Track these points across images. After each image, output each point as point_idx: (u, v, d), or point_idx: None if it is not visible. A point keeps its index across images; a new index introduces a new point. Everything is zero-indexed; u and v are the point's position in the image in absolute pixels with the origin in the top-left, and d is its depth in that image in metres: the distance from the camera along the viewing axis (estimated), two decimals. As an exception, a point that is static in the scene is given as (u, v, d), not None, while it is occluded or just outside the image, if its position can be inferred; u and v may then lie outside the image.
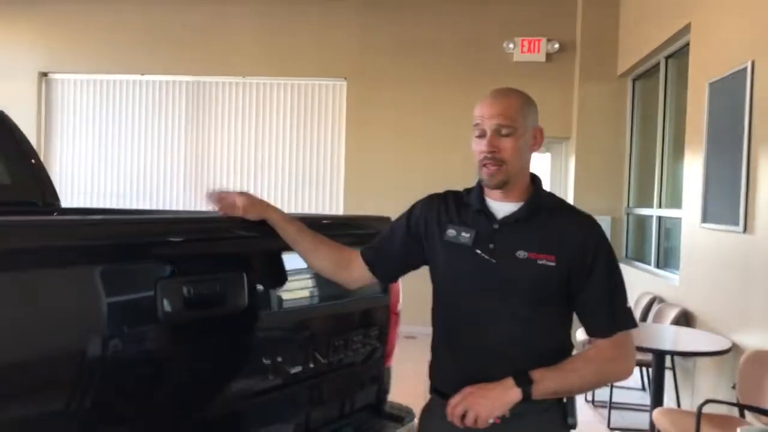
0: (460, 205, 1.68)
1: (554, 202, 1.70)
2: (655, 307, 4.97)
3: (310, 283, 2.00)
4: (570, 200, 7.05)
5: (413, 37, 7.41)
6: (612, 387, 4.56)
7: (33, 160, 3.53)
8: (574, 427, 1.64)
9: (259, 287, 1.76)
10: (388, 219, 2.24)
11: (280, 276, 1.85)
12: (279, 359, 1.79)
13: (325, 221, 2.26)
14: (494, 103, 1.60)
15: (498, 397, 1.51)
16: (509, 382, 1.51)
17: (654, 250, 5.86)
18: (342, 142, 7.55)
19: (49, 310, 1.31)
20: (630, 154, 6.86)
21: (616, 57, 6.86)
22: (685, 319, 4.52)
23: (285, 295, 1.86)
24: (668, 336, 4.17)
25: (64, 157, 7.89)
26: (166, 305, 1.49)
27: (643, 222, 6.48)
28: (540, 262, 1.56)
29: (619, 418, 4.58)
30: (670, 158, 5.69)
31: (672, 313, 4.56)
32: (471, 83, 7.12)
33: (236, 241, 1.76)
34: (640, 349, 3.73)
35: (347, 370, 2.06)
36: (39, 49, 7.79)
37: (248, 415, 1.79)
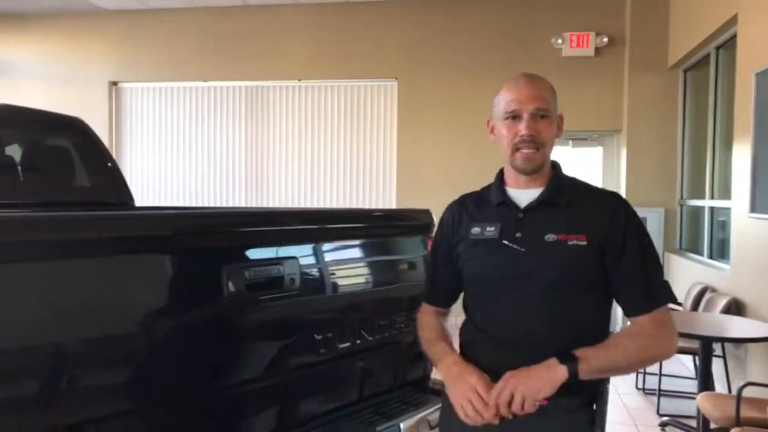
0: (480, 203, 1.69)
1: (576, 182, 1.67)
2: (706, 297, 4.99)
3: (359, 268, 2.22)
4: (622, 193, 7.06)
5: (462, 36, 7.55)
6: (661, 375, 4.62)
7: (109, 164, 3.87)
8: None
9: (312, 271, 1.99)
10: (428, 211, 2.45)
11: (330, 261, 2.07)
12: (329, 335, 2.01)
13: (374, 214, 2.48)
14: (530, 85, 1.58)
15: (544, 377, 1.44)
16: (553, 361, 1.45)
17: (707, 241, 5.85)
18: (394, 140, 7.76)
19: (128, 290, 1.56)
20: (682, 146, 6.83)
21: (666, 48, 6.83)
22: (735, 307, 4.54)
23: (334, 279, 2.08)
24: (716, 323, 4.21)
25: (133, 160, 8.38)
26: (230, 287, 1.73)
27: (696, 213, 6.45)
28: (570, 243, 1.52)
29: (669, 405, 4.63)
30: (722, 149, 5.67)
31: (722, 302, 4.59)
32: (520, 79, 7.19)
33: (291, 231, 1.99)
34: (688, 336, 3.82)
35: (392, 347, 2.27)
36: (109, 60, 8.30)
37: (302, 384, 2.01)
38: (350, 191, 7.87)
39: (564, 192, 1.62)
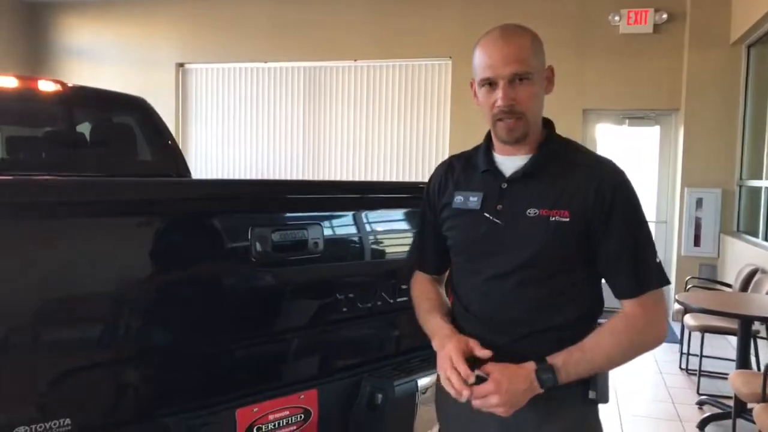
0: (467, 167, 1.58)
1: (569, 148, 1.53)
2: (755, 279, 4.93)
3: (378, 235, 2.40)
4: (678, 173, 6.96)
5: (516, 14, 7.49)
6: (702, 356, 4.62)
7: (169, 141, 4.18)
8: (599, 402, 1.47)
9: (334, 236, 2.17)
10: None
11: (352, 227, 2.26)
12: (350, 295, 2.20)
13: (407, 185, 2.66)
14: (505, 45, 1.41)
15: (520, 395, 1.37)
16: (532, 377, 1.37)
17: (762, 223, 5.73)
18: (447, 118, 7.86)
19: (172, 246, 1.79)
20: (743, 125, 6.65)
21: (728, 24, 6.64)
22: (783, 289, 4.48)
23: (355, 243, 2.26)
24: (759, 304, 4.18)
25: (198, 137, 8.79)
26: (258, 247, 1.94)
27: (754, 194, 6.30)
28: (552, 219, 1.40)
29: (709, 386, 4.63)
30: (781, 128, 5.52)
31: (769, 284, 4.54)
32: (577, 57, 7.17)
33: (316, 199, 2.18)
34: (727, 315, 3.83)
35: (412, 309, 2.44)
36: (176, 42, 8.70)
37: (325, 339, 2.21)
38: (404, 169, 8.03)
39: (552, 161, 1.47)
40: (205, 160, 8.62)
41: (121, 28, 8.92)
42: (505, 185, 1.49)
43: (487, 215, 1.48)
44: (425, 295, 1.71)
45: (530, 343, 1.44)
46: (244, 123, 8.61)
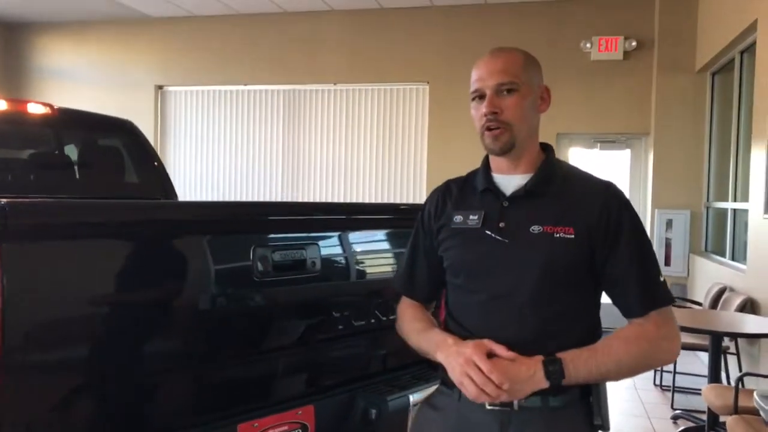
0: (465, 189, 1.58)
1: (568, 169, 1.55)
2: (724, 296, 5.11)
3: (373, 256, 2.49)
4: (648, 195, 7.20)
5: (493, 40, 7.72)
6: (675, 372, 4.77)
7: (155, 162, 4.23)
8: (603, 428, 1.45)
9: (331, 256, 2.26)
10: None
11: (347, 248, 2.34)
12: (346, 313, 2.28)
13: (401, 207, 2.77)
14: (492, 60, 1.48)
15: (524, 382, 1.35)
16: (538, 367, 1.36)
17: (729, 243, 5.95)
18: (425, 142, 8.01)
19: (184, 266, 1.86)
20: (709, 149, 6.91)
21: (694, 52, 6.93)
22: (750, 306, 4.66)
23: (350, 264, 2.34)
24: (729, 321, 4.35)
25: (176, 160, 8.81)
26: (259, 267, 2.01)
27: (721, 216, 6.54)
28: (557, 235, 1.40)
29: (683, 400, 4.78)
30: (744, 152, 5.76)
31: (737, 301, 4.72)
32: (550, 83, 7.27)
33: (313, 221, 2.27)
34: (698, 332, 3.99)
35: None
36: (155, 64, 8.75)
37: (321, 356, 2.29)
38: (382, 191, 8.14)
39: (554, 180, 1.48)
40: (184, 183, 8.63)
41: (100, 50, 8.95)
42: (507, 203, 1.48)
43: (489, 233, 1.46)
44: (417, 317, 1.67)
45: (544, 357, 1.40)
46: (223, 145, 8.66)
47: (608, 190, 1.47)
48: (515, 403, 1.40)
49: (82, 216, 1.66)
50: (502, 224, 1.47)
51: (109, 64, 8.89)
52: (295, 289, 2.15)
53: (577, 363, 1.36)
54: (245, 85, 8.50)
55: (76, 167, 3.82)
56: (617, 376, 1.41)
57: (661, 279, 1.44)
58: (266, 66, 8.37)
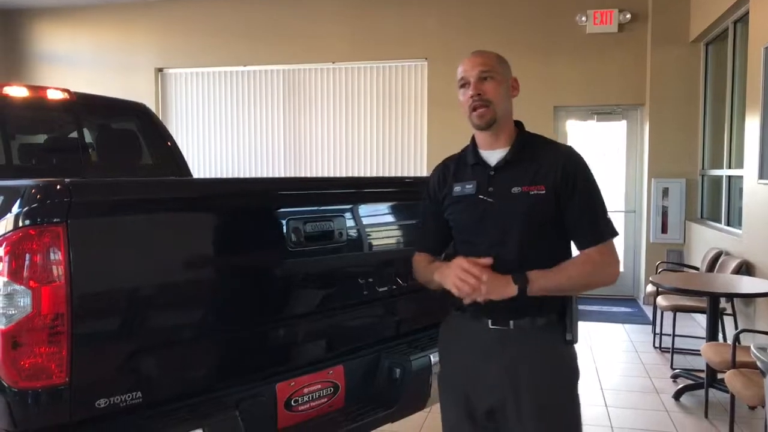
0: (460, 164, 1.99)
1: (537, 140, 1.96)
2: (720, 260, 5.30)
3: (394, 227, 2.65)
4: (645, 165, 7.36)
5: (489, 15, 7.84)
6: (674, 335, 4.97)
7: (169, 143, 4.35)
8: (573, 342, 1.89)
9: (356, 227, 2.41)
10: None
11: (372, 220, 2.50)
12: (370, 280, 2.44)
13: (403, 180, 2.91)
14: (474, 56, 1.90)
15: (499, 288, 1.77)
16: (509, 278, 1.77)
17: (724, 209, 6.12)
18: (425, 117, 8.12)
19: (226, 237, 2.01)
20: (703, 118, 7.06)
21: (688, 23, 7.04)
22: (746, 268, 4.85)
23: (375, 233, 2.50)
24: (725, 282, 4.54)
25: (178, 142, 8.83)
26: (293, 237, 2.16)
27: (716, 183, 6.71)
28: (532, 192, 1.82)
29: (682, 361, 4.98)
30: (738, 120, 5.91)
31: (733, 264, 4.90)
32: (546, 56, 7.52)
33: (340, 194, 2.42)
34: (696, 294, 4.17)
35: (422, 292, 2.68)
36: (154, 47, 8.80)
37: (349, 321, 2.45)
38: (383, 167, 8.27)
39: (526, 150, 1.90)
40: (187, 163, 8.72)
41: (98, 34, 8.98)
42: (493, 172, 1.90)
43: (482, 197, 1.88)
44: (427, 261, 2.07)
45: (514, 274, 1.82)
46: (224, 126, 8.75)
47: (567, 154, 1.91)
48: (511, 323, 1.85)
49: (141, 192, 1.80)
50: (490, 189, 1.88)
51: (109, 47, 8.94)
52: (324, 259, 2.30)
53: (538, 276, 1.78)
54: (245, 65, 8.57)
55: (94, 150, 3.94)
56: (571, 290, 1.87)
57: (608, 218, 1.88)
58: (265, 46, 8.43)
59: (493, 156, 1.93)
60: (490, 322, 1.87)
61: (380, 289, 2.49)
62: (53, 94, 3.69)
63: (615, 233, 1.88)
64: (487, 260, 1.80)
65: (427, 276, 2.02)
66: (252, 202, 2.11)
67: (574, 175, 1.85)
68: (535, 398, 1.85)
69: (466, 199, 1.91)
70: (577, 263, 1.86)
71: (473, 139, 2.00)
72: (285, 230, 2.14)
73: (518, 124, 1.97)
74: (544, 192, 1.82)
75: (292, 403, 2.22)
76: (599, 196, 1.89)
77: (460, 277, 1.79)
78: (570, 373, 1.93)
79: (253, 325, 2.11)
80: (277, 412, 2.16)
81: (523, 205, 1.83)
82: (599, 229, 1.86)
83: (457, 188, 1.94)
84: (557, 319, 1.89)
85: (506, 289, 1.78)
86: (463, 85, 1.90)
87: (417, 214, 2.47)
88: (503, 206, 1.85)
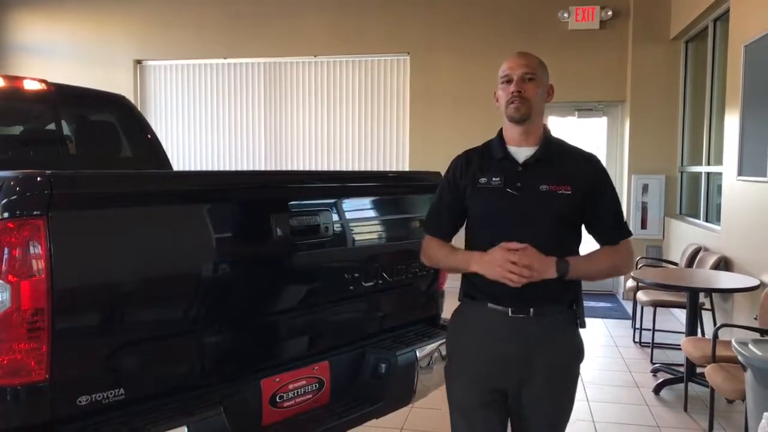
0: (484, 158, 2.06)
1: (562, 143, 2.09)
2: (699, 256, 5.36)
3: (381, 222, 2.63)
4: (625, 161, 7.43)
5: (471, 11, 7.84)
6: (654, 330, 5.02)
7: (149, 135, 4.29)
8: (583, 326, 2.07)
9: (342, 222, 2.39)
10: (438, 173, 2.83)
11: (358, 215, 2.48)
12: (356, 275, 2.42)
13: (390, 175, 2.88)
14: (520, 57, 2.02)
15: (543, 269, 1.89)
16: (552, 260, 1.89)
17: (703, 205, 6.19)
18: (406, 111, 8.11)
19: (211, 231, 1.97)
20: (683, 115, 7.13)
21: (669, 20, 7.10)
22: (724, 264, 4.91)
23: (361, 228, 2.48)
24: (704, 278, 4.59)
25: (158, 135, 8.76)
26: (278, 231, 2.14)
27: (695, 179, 6.78)
28: (559, 192, 1.95)
29: (662, 355, 5.03)
30: (718, 118, 5.98)
31: (712, 260, 4.96)
32: (528, 51, 7.51)
33: (326, 188, 2.39)
34: (677, 289, 4.21)
35: (408, 288, 2.68)
36: (133, 39, 8.67)
37: (334, 316, 2.43)
38: (364, 161, 8.24)
39: (553, 151, 2.03)
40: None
41: (76, 25, 8.82)
42: (521, 168, 2.00)
43: (510, 191, 1.98)
44: (442, 246, 2.13)
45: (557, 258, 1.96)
46: (205, 119, 8.66)
47: (594, 159, 2.08)
48: (531, 310, 1.96)
49: (123, 185, 1.76)
50: (519, 184, 1.98)
51: (87, 39, 8.78)
52: (309, 254, 2.28)
53: (576, 264, 1.94)
54: (225, 58, 8.48)
55: (72, 142, 3.86)
56: (597, 277, 2.09)
57: (625, 220, 2.11)
58: (246, 39, 8.34)
59: (520, 153, 2.02)
60: (510, 310, 1.96)
61: (366, 284, 2.48)
62: (30, 85, 3.61)
63: (631, 234, 2.09)
64: (524, 245, 1.88)
65: (441, 259, 2.12)
66: (236, 196, 2.08)
67: (603, 180, 2.03)
68: (548, 380, 1.99)
69: (492, 191, 1.99)
70: (605, 253, 2.05)
71: (500, 134, 2.08)
72: (270, 225, 2.11)
73: (544, 127, 2.09)
74: (570, 192, 1.95)
75: (278, 399, 2.20)
76: (618, 199, 2.09)
77: (509, 269, 1.87)
78: (579, 354, 2.09)
79: (237, 321, 2.08)
80: (262, 409, 2.14)
81: (550, 202, 1.95)
82: (624, 227, 2.06)
83: (482, 180, 2.01)
84: (567, 306, 2.04)
85: (549, 271, 1.91)
86: (504, 81, 2.00)
87: (404, 209, 2.46)
88: (530, 201, 1.96)
